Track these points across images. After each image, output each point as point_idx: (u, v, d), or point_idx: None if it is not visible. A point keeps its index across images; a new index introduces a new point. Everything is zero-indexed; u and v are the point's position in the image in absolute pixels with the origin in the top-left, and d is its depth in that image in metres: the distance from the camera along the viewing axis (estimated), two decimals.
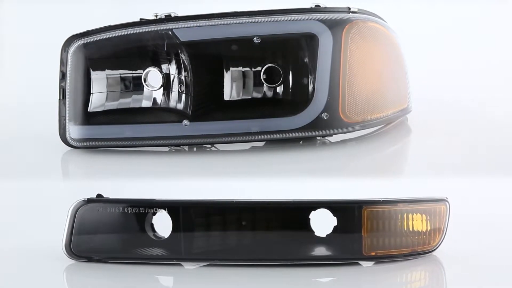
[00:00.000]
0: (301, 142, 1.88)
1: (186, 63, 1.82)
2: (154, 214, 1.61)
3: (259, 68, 1.86)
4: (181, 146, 1.85)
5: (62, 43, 1.81)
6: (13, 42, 2.52)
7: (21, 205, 1.89)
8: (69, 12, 2.46)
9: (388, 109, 1.91)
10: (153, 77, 1.86)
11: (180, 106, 1.84)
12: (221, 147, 1.87)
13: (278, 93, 1.87)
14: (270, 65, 1.85)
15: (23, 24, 2.53)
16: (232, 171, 1.80)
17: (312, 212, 1.59)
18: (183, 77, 1.83)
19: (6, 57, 2.52)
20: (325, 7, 1.82)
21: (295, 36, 1.81)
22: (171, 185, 1.75)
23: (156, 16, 1.81)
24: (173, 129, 1.81)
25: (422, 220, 1.61)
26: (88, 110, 1.83)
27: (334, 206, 1.59)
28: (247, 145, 1.88)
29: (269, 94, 1.87)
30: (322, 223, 1.61)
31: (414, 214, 1.60)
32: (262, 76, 1.85)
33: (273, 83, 1.86)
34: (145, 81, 1.85)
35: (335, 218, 1.59)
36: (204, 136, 1.81)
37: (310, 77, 1.82)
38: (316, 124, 1.81)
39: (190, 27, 1.78)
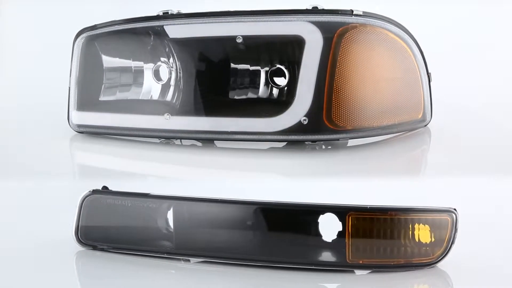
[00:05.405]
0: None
1: (177, 59, 1.86)
2: (151, 207, 1.63)
3: (249, 68, 1.85)
4: (171, 140, 1.89)
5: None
6: (14, 42, 2.66)
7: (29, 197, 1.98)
8: (70, 11, 2.56)
9: (388, 119, 1.81)
10: (161, 71, 1.91)
11: (173, 100, 1.87)
12: (223, 145, 1.89)
13: (264, 93, 1.85)
14: (260, 66, 1.84)
15: (23, 24, 2.66)
16: (232, 170, 1.82)
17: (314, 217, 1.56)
18: (178, 73, 1.87)
19: (6, 56, 2.65)
20: (322, 9, 1.75)
21: (282, 38, 1.77)
22: (183, 182, 1.79)
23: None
24: (155, 122, 1.85)
25: (421, 231, 1.52)
26: (99, 99, 1.92)
27: (318, 211, 1.55)
28: (265, 145, 1.88)
29: (256, 94, 1.85)
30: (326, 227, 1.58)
31: (410, 224, 1.52)
32: (269, 76, 1.84)
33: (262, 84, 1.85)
34: (155, 74, 1.90)
35: (340, 223, 1.54)
36: (182, 131, 1.84)
37: (295, 80, 1.77)
38: (296, 128, 1.77)
39: (178, 24, 1.81)
